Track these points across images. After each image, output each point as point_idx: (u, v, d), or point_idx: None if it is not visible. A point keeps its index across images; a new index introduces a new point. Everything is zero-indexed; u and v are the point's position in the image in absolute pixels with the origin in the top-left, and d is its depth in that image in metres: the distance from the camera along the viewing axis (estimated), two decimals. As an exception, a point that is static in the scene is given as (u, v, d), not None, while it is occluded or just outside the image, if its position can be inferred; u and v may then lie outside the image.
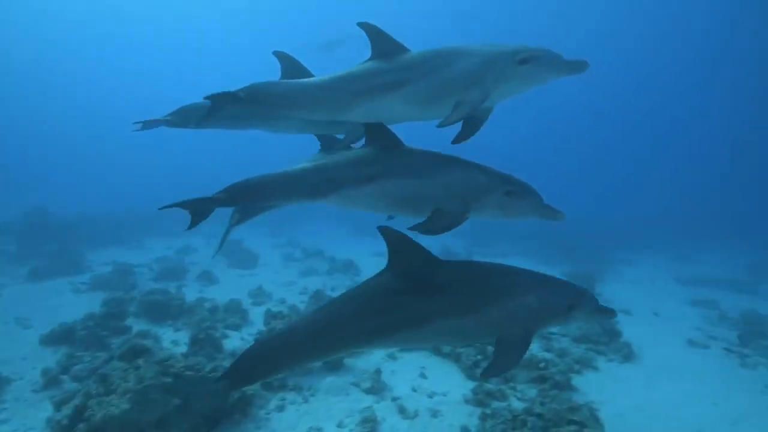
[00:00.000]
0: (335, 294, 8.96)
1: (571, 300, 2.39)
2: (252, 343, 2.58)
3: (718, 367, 6.66)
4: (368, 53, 2.96)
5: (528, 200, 2.57)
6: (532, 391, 5.15)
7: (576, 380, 5.65)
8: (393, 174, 2.62)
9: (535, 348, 6.46)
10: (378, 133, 2.72)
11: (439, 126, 2.64)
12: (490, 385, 5.19)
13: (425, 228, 2.49)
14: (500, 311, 2.29)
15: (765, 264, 15.11)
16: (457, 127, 2.76)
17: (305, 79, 3.03)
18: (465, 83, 2.63)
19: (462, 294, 2.28)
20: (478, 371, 5.52)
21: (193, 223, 2.76)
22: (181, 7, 44.07)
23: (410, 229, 2.47)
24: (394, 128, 2.80)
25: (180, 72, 49.43)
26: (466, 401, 4.99)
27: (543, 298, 2.33)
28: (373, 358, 6.10)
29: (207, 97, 3.08)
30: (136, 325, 6.93)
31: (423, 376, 5.65)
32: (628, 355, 6.56)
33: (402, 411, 4.81)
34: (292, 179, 2.75)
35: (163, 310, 7.30)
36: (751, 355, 6.93)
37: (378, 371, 5.41)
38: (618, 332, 6.95)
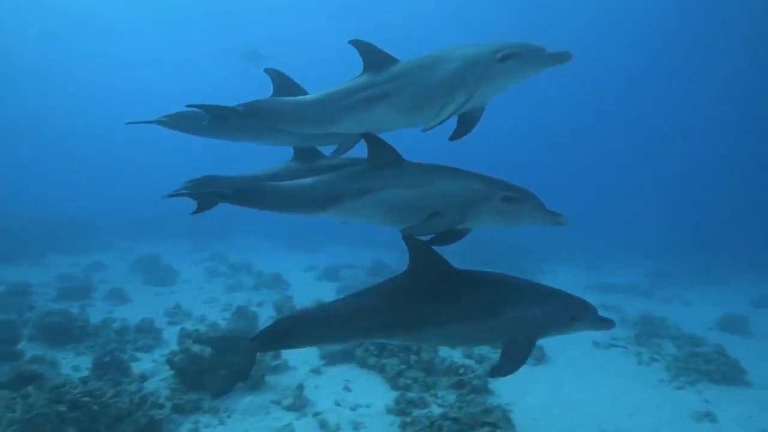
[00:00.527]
0: (260, 310, 8.72)
1: (573, 312, 2.56)
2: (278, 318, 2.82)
3: (618, 365, 7.27)
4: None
5: (528, 206, 2.58)
6: (451, 397, 5.30)
7: (493, 384, 5.90)
8: (389, 185, 2.71)
9: (456, 355, 6.68)
10: (378, 148, 2.81)
11: (424, 130, 2.73)
12: (412, 394, 5.28)
13: (419, 230, 2.55)
14: (504, 320, 2.45)
15: (663, 271, 16.81)
16: (451, 127, 2.92)
17: (300, 97, 3.19)
18: (448, 87, 2.69)
19: (471, 301, 2.45)
20: (402, 380, 5.59)
21: (198, 211, 3.05)
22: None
23: (401, 231, 2.59)
24: (390, 138, 2.88)
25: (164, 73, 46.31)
26: (389, 411, 5.03)
27: (546, 309, 2.49)
28: (297, 373, 5.98)
29: (201, 107, 3.20)
30: (31, 350, 6.24)
31: (347, 389, 5.61)
32: (540, 357, 6.97)
33: (323, 426, 4.74)
34: (293, 192, 2.87)
35: (63, 332, 6.64)
36: (647, 353, 7.64)
37: (300, 387, 5.29)
38: (533, 337, 7.36)
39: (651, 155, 45.81)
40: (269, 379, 5.64)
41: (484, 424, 4.34)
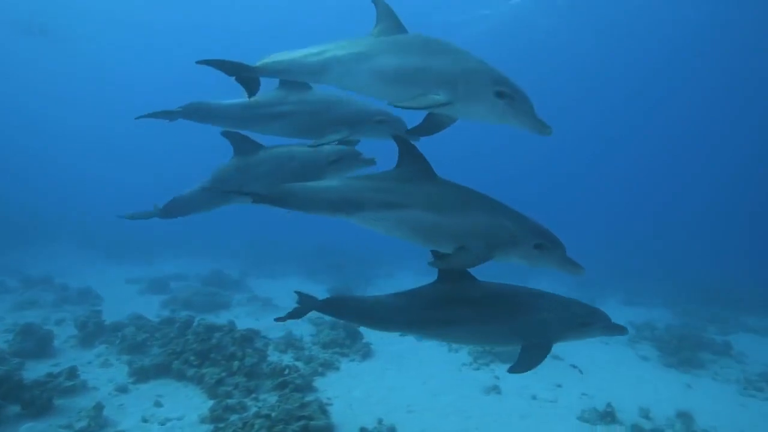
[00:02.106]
0: (58, 329, 7.48)
1: (584, 319, 2.79)
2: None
3: (433, 354, 8.13)
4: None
5: (556, 255, 2.63)
6: (273, 398, 5.30)
7: (319, 381, 6.10)
8: (416, 205, 2.64)
9: (287, 358, 6.73)
10: (409, 155, 2.77)
11: (391, 104, 2.70)
12: (231, 400, 5.13)
13: (446, 263, 2.66)
14: (520, 323, 2.72)
15: (487, 269, 19.26)
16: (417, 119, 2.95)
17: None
18: (437, 81, 2.61)
19: (492, 305, 2.74)
20: (222, 388, 5.39)
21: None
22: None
23: (431, 264, 2.70)
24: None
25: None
26: (203, 420, 4.81)
27: (558, 315, 2.73)
28: (98, 393, 5.33)
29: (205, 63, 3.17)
30: None
31: (158, 404, 5.19)
32: (366, 354, 7.44)
33: (124, 444, 4.32)
34: (318, 193, 2.90)
35: None
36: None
37: (99, 407, 4.72)
38: (360, 335, 7.83)
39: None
40: (60, 402, 4.91)
41: (300, 417, 4.47)
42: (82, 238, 18.08)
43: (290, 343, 7.22)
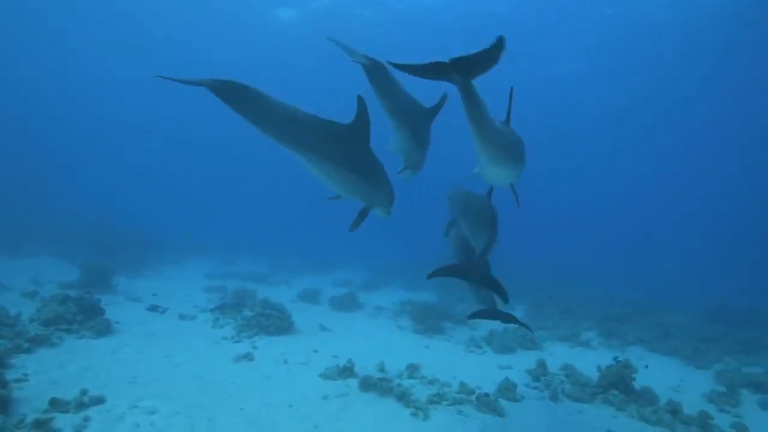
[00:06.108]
0: None
1: None
2: None
3: (190, 330, 7.59)
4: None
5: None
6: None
7: (20, 358, 5.11)
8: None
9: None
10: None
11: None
12: None
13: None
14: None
15: (280, 263, 19.02)
16: None
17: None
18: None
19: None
20: None
21: None
22: None
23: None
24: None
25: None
26: None
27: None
28: None
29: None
30: None
31: None
32: (103, 330, 6.48)
33: None
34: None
35: None
36: (225, 319, 8.34)
37: None
38: (101, 311, 6.80)
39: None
40: None
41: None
42: None
43: (-6, 320, 5.80)
